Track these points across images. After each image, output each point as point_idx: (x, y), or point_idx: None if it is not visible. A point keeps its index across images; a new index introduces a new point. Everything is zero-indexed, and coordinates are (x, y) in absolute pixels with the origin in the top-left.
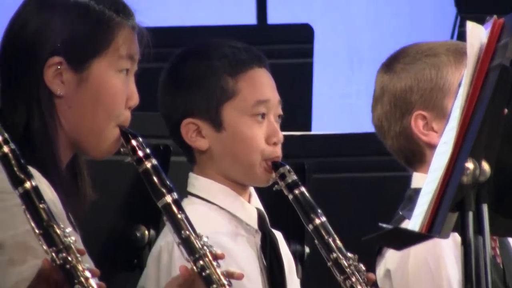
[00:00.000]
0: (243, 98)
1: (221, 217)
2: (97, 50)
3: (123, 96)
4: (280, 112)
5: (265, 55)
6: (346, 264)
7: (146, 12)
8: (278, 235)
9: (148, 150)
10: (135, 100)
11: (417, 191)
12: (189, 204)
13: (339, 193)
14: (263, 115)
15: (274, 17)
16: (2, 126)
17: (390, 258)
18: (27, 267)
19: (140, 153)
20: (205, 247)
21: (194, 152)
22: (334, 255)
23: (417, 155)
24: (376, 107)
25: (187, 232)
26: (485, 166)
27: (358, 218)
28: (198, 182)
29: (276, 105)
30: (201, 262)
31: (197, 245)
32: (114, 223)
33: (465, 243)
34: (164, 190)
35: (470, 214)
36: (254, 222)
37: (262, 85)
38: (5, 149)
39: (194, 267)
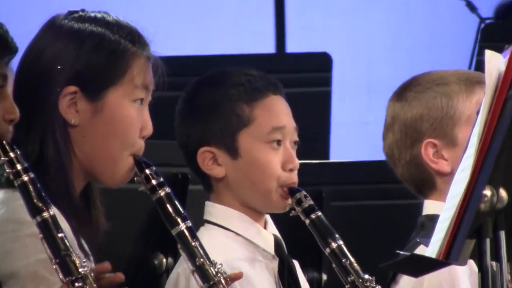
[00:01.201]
0: (259, 125)
1: (238, 243)
2: (112, 80)
3: (137, 126)
4: (296, 138)
5: (283, 83)
6: (364, 287)
7: (165, 41)
8: (295, 264)
9: (161, 179)
10: (149, 129)
11: (429, 217)
12: (206, 231)
13: (357, 220)
14: (278, 142)
15: (293, 46)
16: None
17: (404, 284)
18: None
19: (154, 182)
20: (219, 274)
21: (211, 180)
22: (352, 277)
23: (428, 183)
24: (387, 135)
25: (201, 260)
26: (503, 193)
27: (375, 245)
28: (214, 210)
29: (292, 131)
30: None
31: (211, 273)
32: (133, 251)
33: (482, 269)
34: (178, 218)
35: (488, 241)
36: (271, 248)
37: (277, 112)
38: (25, 177)
39: None
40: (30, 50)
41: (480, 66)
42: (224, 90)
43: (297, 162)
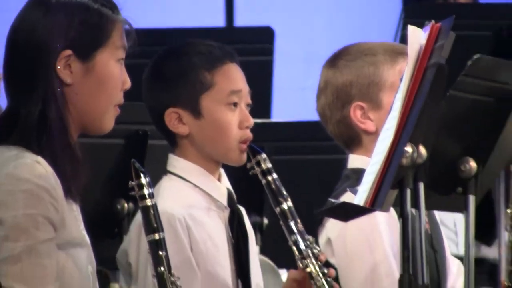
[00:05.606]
0: (219, 90)
1: (196, 193)
2: (100, 42)
3: (120, 82)
4: (249, 101)
5: None
6: (304, 247)
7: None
8: (242, 210)
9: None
10: (128, 84)
11: (354, 170)
12: (168, 181)
13: (294, 172)
14: (235, 104)
15: (241, 19)
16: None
17: (331, 228)
18: (18, 246)
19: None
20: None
21: (176, 137)
22: (294, 237)
23: (355, 140)
24: (320, 98)
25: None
26: (422, 150)
27: (310, 193)
28: (177, 163)
29: (246, 94)
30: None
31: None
32: (99, 197)
33: (403, 216)
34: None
35: (408, 191)
36: (224, 199)
37: (235, 77)
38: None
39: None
40: (20, 26)
41: (404, 39)
42: (188, 59)
43: (252, 120)
